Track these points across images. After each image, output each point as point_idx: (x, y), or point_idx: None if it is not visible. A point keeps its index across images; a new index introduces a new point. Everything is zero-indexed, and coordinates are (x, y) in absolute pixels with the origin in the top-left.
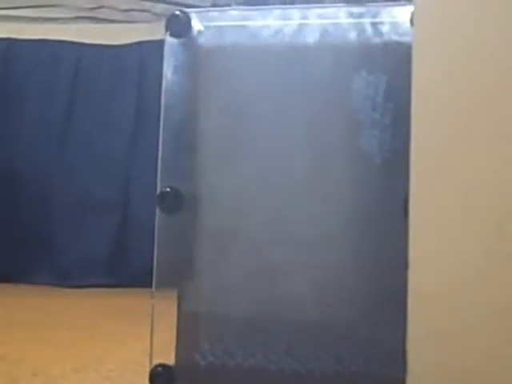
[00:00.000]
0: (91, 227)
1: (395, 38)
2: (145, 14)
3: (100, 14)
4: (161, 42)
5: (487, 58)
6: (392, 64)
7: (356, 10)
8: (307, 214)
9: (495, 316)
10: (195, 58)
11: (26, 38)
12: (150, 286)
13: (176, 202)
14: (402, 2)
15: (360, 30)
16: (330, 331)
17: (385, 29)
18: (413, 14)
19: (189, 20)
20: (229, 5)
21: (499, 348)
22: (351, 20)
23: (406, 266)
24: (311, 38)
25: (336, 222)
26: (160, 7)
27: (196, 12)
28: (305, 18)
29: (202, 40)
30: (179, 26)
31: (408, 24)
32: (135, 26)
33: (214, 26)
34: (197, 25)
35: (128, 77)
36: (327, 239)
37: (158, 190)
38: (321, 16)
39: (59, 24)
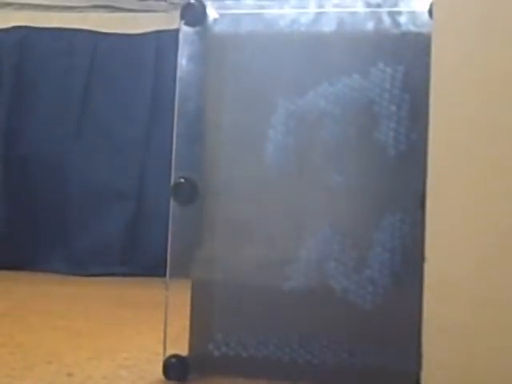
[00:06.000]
0: (106, 216)
1: (413, 28)
2: (162, 3)
3: (117, 2)
4: (177, 32)
5: (508, 49)
6: (409, 55)
7: (373, 0)
8: (321, 205)
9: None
10: (210, 46)
11: (43, 27)
12: (165, 276)
13: (190, 192)
14: None
15: (377, 20)
16: (344, 322)
17: (402, 19)
18: (431, 5)
19: (204, 8)
20: None
21: None
22: (368, 10)
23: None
24: (328, 27)
25: (350, 214)
26: None
27: (211, 0)
28: (321, 7)
29: (217, 29)
30: (194, 15)
31: (426, 15)
32: (152, 15)
33: (230, 15)
34: (212, 13)
35: (144, 66)
36: (342, 231)
37: (172, 181)
38: (337, 5)
39: (76, 13)
